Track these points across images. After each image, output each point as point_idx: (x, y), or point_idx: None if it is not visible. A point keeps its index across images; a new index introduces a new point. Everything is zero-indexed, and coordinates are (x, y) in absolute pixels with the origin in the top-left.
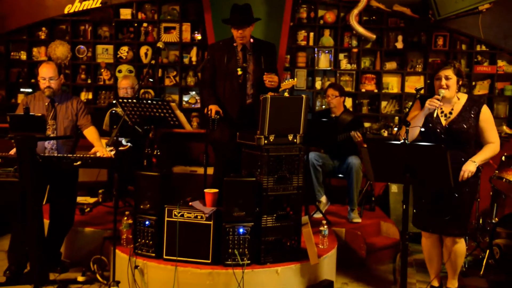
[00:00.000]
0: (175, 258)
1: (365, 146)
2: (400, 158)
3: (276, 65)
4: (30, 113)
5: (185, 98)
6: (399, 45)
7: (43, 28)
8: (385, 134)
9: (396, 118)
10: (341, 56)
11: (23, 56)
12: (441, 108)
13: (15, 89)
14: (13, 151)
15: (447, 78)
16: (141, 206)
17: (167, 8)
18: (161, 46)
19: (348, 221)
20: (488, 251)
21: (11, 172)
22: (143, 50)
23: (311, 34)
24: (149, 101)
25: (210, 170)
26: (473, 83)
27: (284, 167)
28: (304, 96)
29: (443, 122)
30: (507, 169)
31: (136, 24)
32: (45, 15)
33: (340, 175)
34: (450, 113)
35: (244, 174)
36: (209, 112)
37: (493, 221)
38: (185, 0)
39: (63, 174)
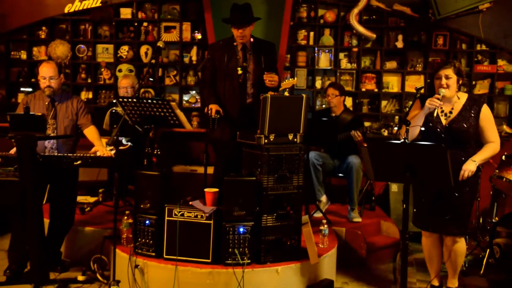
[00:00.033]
0: (175, 257)
1: (365, 145)
2: (400, 158)
3: (276, 65)
4: (30, 113)
5: (185, 98)
6: (399, 44)
7: (43, 28)
8: (385, 133)
9: (396, 117)
10: (341, 55)
11: (23, 55)
12: (441, 108)
13: (15, 88)
14: (13, 151)
15: (447, 77)
16: (141, 206)
17: (167, 7)
18: (161, 45)
19: (348, 220)
20: (488, 250)
21: (11, 171)
22: (143, 49)
23: (311, 33)
24: (149, 101)
25: (210, 170)
26: (473, 82)
27: (284, 166)
28: (304, 95)
29: (443, 122)
30: (507, 169)
31: (136, 24)
32: (45, 14)
33: (340, 175)
34: (450, 112)
35: (244, 173)
36: (209, 112)
37: (493, 220)
38: None
39: (63, 174)
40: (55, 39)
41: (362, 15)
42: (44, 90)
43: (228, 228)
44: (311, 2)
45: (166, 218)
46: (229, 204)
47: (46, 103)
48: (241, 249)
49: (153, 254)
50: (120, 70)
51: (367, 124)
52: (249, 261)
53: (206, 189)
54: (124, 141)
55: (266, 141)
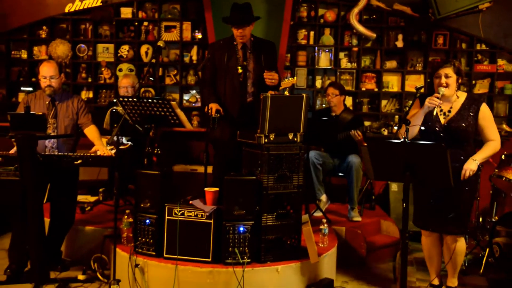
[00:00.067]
0: (175, 256)
1: (365, 144)
2: (400, 157)
3: (276, 64)
4: (31, 112)
5: (186, 97)
6: (399, 44)
7: (44, 27)
8: (385, 132)
9: (396, 116)
10: (341, 55)
11: (24, 55)
12: (440, 107)
13: (16, 88)
14: (13, 150)
15: (446, 76)
16: (142, 205)
17: (167, 7)
18: (161, 45)
19: (348, 219)
20: (488, 249)
21: (11, 171)
22: (143, 49)
23: (312, 33)
24: (150, 100)
25: (211, 169)
26: (473, 82)
27: (285, 165)
28: (304, 95)
29: (442, 121)
30: (507, 168)
31: (136, 23)
32: (46, 14)
33: (340, 174)
34: (449, 111)
35: (244, 172)
36: (210, 111)
37: (493, 219)
38: None
39: (63, 173)
40: (56, 38)
41: (362, 15)
42: (44, 89)
43: (228, 227)
44: (311, 2)
45: (167, 217)
46: (229, 203)
47: (47, 102)
48: (241, 248)
49: (153, 253)
50: (120, 70)
51: (367, 123)
52: (249, 260)
53: (206, 189)
54: (124, 141)
55: (266, 140)
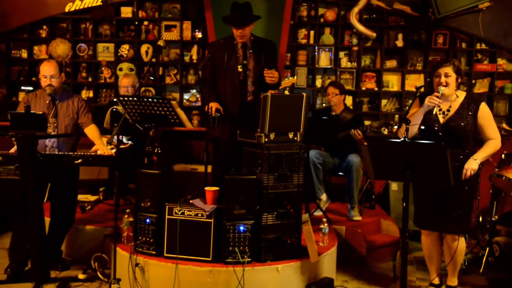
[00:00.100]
0: (175, 256)
1: (365, 144)
2: (400, 156)
3: (276, 63)
4: (31, 111)
5: (186, 96)
6: (399, 43)
7: (44, 26)
8: (385, 132)
9: (396, 116)
10: (341, 54)
11: (24, 54)
12: (439, 106)
13: (16, 87)
14: (14, 149)
15: (446, 75)
16: (142, 204)
17: (167, 6)
18: (161, 44)
19: (348, 219)
20: (488, 249)
21: (12, 170)
22: (143, 48)
23: (312, 32)
24: (150, 99)
25: (211, 168)
26: (473, 81)
27: (285, 165)
28: (304, 94)
29: (441, 120)
30: (506, 167)
31: (136, 22)
32: (46, 13)
33: (340, 173)
34: (448, 110)
35: (244, 172)
36: (210, 110)
37: (493, 219)
38: None
39: (64, 172)
40: (56, 38)
41: (362, 14)
42: (45, 88)
43: (229, 226)
44: (311, 1)
45: (167, 216)
46: (230, 202)
47: (47, 101)
48: (241, 248)
49: (154, 252)
50: (120, 69)
51: (367, 122)
52: (249, 259)
53: (206, 188)
54: (124, 140)
55: (266, 139)
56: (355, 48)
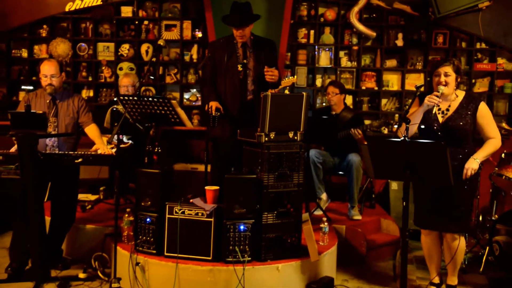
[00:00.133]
0: (176, 255)
1: (365, 143)
2: (400, 156)
3: (276, 62)
4: (32, 111)
5: (186, 96)
6: (399, 42)
7: (44, 26)
8: (385, 131)
9: (396, 115)
10: (341, 53)
11: (24, 53)
12: (438, 105)
13: (17, 86)
14: (14, 149)
15: (446, 74)
16: (142, 203)
17: (168, 5)
18: (162, 43)
19: (349, 218)
20: (487, 248)
21: (12, 169)
22: (144, 47)
23: (312, 31)
24: (150, 99)
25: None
26: (473, 80)
27: (285, 164)
28: (304, 93)
29: (440, 119)
30: (506, 167)
31: (137, 22)
32: (46, 13)
33: (340, 172)
34: (447, 110)
35: (245, 171)
36: (210, 109)
37: (493, 218)
38: None
39: (64, 172)
40: (56, 37)
41: (362, 14)
42: (45, 88)
43: (229, 225)
44: (311, 1)
45: (167, 215)
46: (230, 202)
47: (48, 101)
48: (241, 247)
49: (154, 251)
50: (121, 68)
51: (367, 122)
52: (249, 258)
53: (206, 187)
54: (125, 139)
55: (266, 139)
56: (355, 48)
